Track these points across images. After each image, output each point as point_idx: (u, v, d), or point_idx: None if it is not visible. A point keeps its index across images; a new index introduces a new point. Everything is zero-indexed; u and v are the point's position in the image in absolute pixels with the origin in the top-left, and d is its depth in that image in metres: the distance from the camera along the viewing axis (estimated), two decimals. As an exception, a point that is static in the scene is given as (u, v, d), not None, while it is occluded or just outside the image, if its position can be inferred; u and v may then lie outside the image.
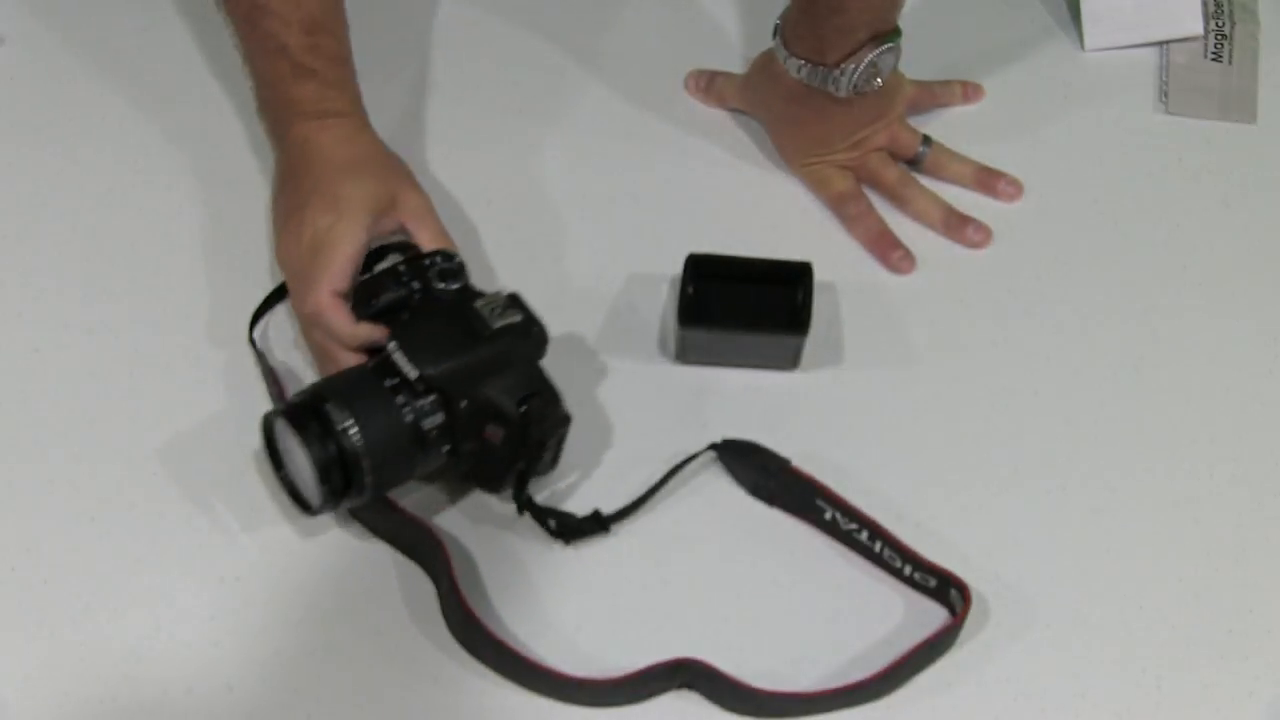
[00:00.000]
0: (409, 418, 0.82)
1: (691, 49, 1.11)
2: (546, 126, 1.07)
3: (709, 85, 1.09)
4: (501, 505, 0.89)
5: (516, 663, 0.82)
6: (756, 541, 0.89)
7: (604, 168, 1.05)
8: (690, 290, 0.94)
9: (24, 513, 0.89)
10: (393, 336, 0.84)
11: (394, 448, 0.82)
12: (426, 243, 0.91)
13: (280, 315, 0.96)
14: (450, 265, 0.88)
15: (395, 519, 0.87)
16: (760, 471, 0.90)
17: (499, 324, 0.84)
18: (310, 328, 0.89)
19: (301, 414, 0.82)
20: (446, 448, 0.85)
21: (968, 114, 1.08)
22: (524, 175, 1.04)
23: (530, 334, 0.86)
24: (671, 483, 0.90)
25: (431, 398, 0.83)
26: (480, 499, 0.90)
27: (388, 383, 0.83)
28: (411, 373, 0.82)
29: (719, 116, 1.08)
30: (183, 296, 0.97)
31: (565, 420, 0.86)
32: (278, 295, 0.96)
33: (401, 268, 0.88)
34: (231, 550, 0.87)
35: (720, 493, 0.91)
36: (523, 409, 0.83)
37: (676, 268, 0.95)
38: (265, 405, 0.92)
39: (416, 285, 0.87)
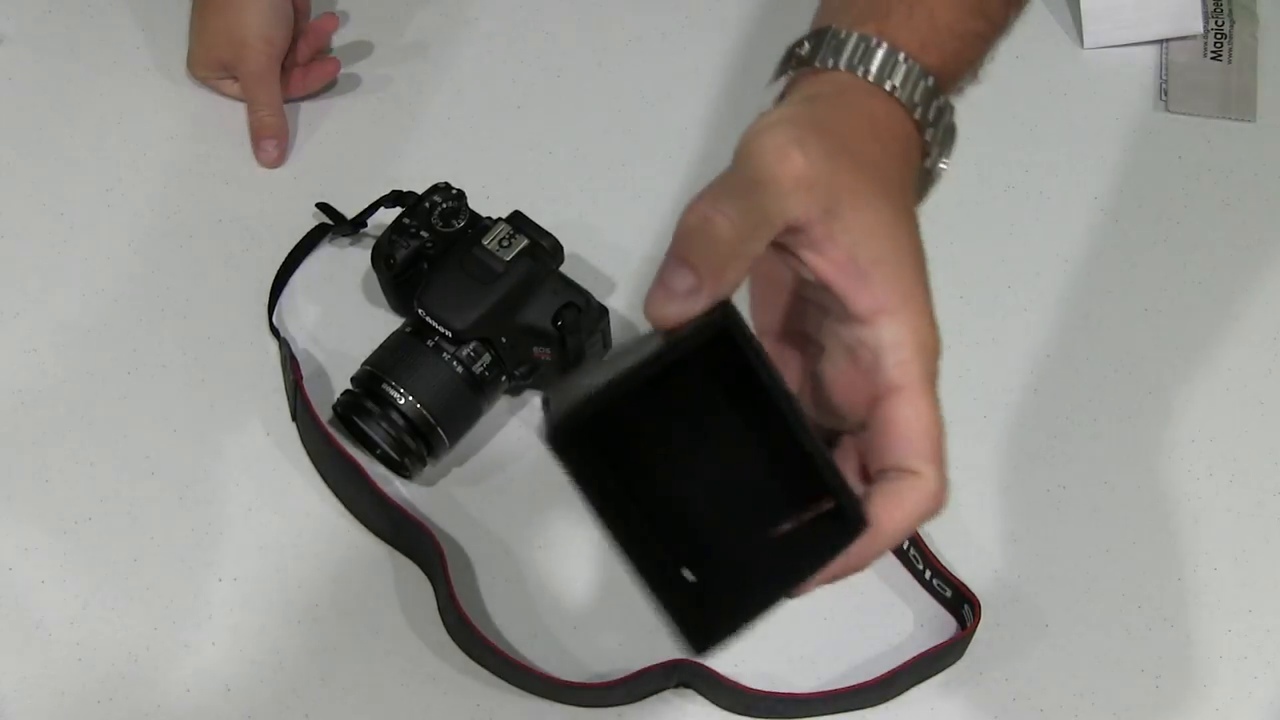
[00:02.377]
0: (459, 369, 0.87)
1: (691, 40, 1.11)
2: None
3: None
4: (501, 505, 0.90)
5: (513, 668, 0.83)
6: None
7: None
8: None
9: (21, 513, 0.89)
10: (418, 298, 0.87)
11: (454, 399, 0.87)
12: None
13: (286, 308, 0.96)
14: (451, 204, 0.91)
15: (394, 519, 0.87)
16: None
17: (510, 256, 0.88)
18: None
19: (361, 399, 0.87)
20: (503, 379, 0.89)
21: (966, 111, 1.08)
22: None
23: (543, 252, 0.89)
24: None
25: (473, 344, 0.87)
26: (480, 497, 0.90)
27: (429, 342, 0.87)
28: (446, 330, 0.86)
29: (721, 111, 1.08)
30: (181, 296, 0.97)
31: (602, 314, 0.90)
32: (283, 280, 0.97)
33: (406, 219, 0.91)
34: (230, 550, 0.87)
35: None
36: (559, 324, 0.87)
37: None
38: (262, 405, 0.92)
39: (425, 234, 0.90)
